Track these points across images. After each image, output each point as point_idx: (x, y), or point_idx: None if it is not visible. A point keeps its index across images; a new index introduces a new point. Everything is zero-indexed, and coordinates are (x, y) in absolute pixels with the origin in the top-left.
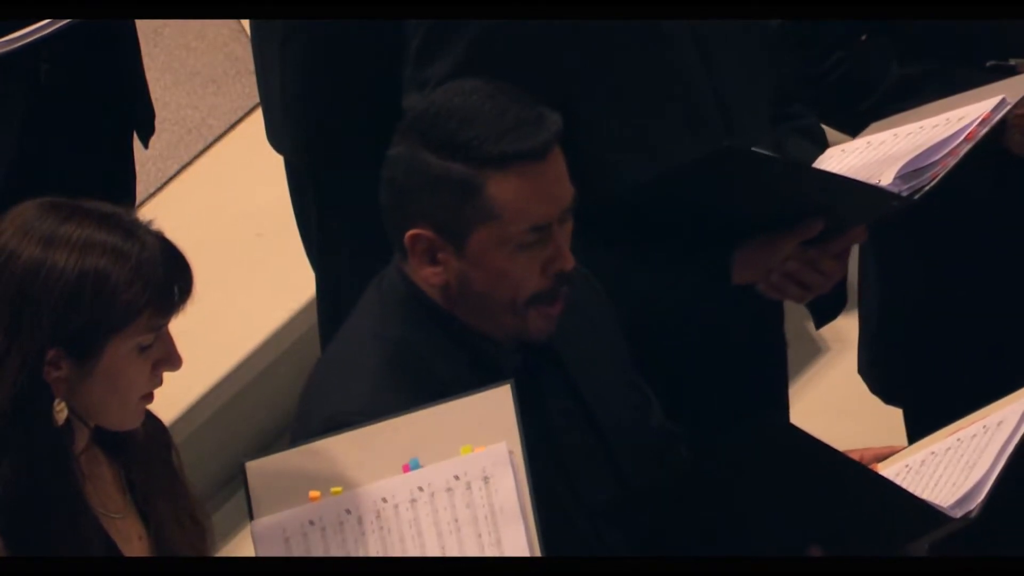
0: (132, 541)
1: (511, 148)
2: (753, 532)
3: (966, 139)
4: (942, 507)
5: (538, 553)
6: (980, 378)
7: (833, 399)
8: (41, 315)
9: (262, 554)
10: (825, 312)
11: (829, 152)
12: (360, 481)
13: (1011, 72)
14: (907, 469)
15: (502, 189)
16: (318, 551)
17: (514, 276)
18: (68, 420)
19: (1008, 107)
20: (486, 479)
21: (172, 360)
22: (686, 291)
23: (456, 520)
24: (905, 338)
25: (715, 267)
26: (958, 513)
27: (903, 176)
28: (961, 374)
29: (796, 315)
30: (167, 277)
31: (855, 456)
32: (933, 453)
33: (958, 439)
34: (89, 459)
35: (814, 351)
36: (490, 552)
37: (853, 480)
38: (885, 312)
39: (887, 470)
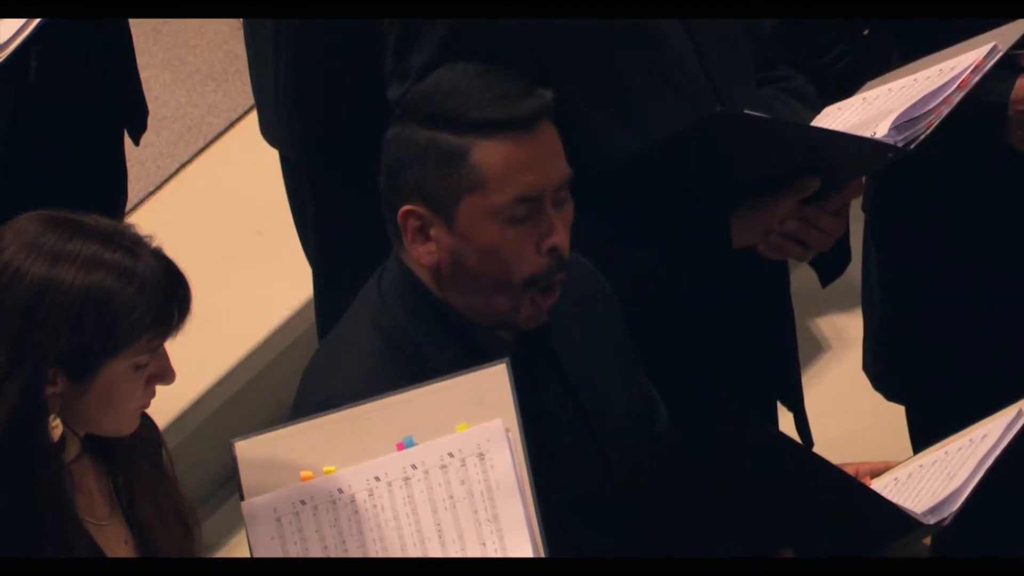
0: (118, 547)
1: (495, 115)
2: (720, 527)
3: (959, 87)
4: (915, 512)
5: (536, 528)
6: (983, 374)
7: (835, 397)
8: (46, 335)
9: (253, 534)
10: (830, 269)
11: (826, 111)
12: (353, 460)
13: (1013, 63)
14: (895, 482)
15: (487, 156)
16: (310, 530)
17: (506, 252)
18: (62, 435)
19: (1000, 54)
20: (481, 455)
21: (166, 375)
22: (687, 260)
23: (451, 497)
24: (907, 334)
25: (714, 231)
26: (931, 520)
27: (898, 127)
28: (964, 370)
29: (798, 313)
30: (168, 299)
31: (851, 470)
32: (921, 466)
33: (945, 452)
34: (78, 468)
35: (815, 349)
36: (487, 528)
37: (824, 481)
38: (887, 308)
39: (877, 483)
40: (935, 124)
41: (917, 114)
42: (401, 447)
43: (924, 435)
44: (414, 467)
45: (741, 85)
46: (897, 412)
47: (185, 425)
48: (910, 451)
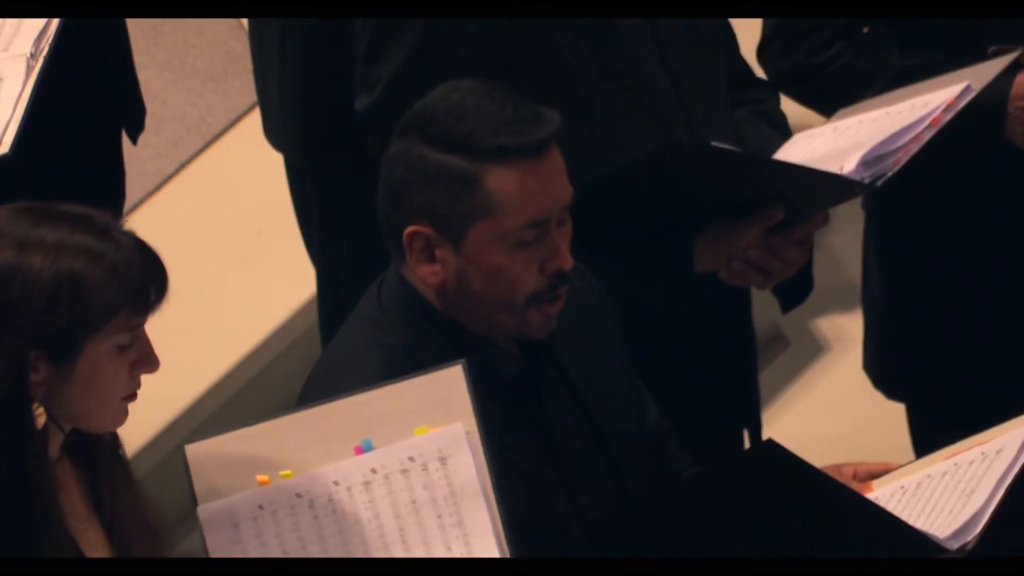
0: (96, 551)
1: (509, 142)
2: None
3: (930, 125)
4: (939, 538)
5: (501, 532)
6: (983, 373)
7: (835, 398)
8: (20, 319)
9: (211, 539)
10: (791, 297)
11: (796, 137)
12: (310, 464)
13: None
14: (902, 491)
15: (500, 183)
16: (270, 536)
17: (512, 275)
18: (45, 425)
19: (973, 93)
20: (443, 460)
21: (150, 361)
22: (649, 279)
23: (414, 502)
24: (908, 332)
25: (677, 254)
26: (954, 545)
27: (865, 163)
28: (964, 369)
29: (798, 314)
30: (142, 276)
31: (849, 471)
32: (929, 476)
33: (955, 463)
34: (60, 469)
35: (816, 350)
36: (452, 533)
37: (849, 507)
38: (888, 305)
39: (882, 489)
40: (903, 161)
41: (886, 151)
42: (359, 451)
43: (924, 434)
44: (374, 471)
45: (712, 106)
46: (897, 412)
47: (185, 426)
48: (910, 451)
